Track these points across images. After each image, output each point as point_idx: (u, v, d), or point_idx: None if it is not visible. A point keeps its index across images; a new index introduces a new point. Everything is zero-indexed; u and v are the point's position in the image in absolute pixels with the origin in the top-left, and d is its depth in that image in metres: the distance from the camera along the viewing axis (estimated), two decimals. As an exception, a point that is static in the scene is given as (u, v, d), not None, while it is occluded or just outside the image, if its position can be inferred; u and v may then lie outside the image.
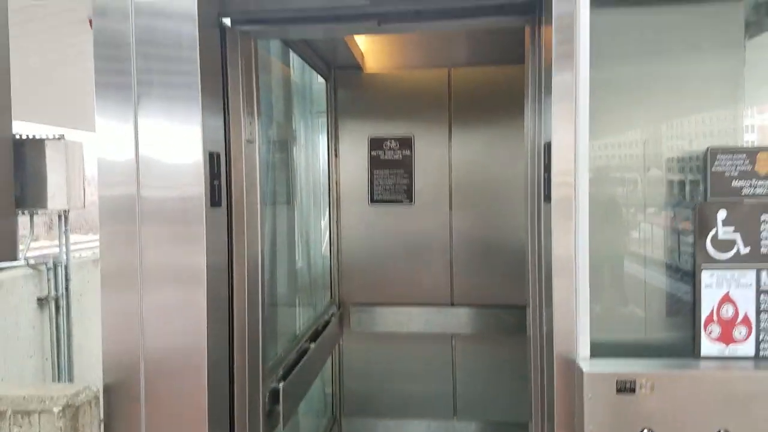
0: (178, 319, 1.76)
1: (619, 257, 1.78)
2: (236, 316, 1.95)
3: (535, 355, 1.85)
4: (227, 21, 1.86)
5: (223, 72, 1.88)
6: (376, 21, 1.87)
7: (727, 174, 1.60)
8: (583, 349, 1.61)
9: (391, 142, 3.64)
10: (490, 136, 3.58)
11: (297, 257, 3.20)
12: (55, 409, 1.68)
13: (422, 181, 3.63)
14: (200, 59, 1.70)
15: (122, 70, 1.73)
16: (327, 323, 3.33)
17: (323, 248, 3.72)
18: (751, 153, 1.59)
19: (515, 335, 3.49)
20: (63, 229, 5.55)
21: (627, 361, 1.59)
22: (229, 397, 1.92)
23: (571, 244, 1.60)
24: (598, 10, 1.59)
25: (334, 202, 3.69)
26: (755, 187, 1.59)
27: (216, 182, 1.80)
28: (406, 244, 3.65)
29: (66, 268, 5.35)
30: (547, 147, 1.64)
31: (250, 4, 1.83)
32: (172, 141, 1.73)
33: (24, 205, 5.42)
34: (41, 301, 5.14)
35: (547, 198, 1.65)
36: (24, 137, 5.46)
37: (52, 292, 5.22)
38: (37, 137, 5.45)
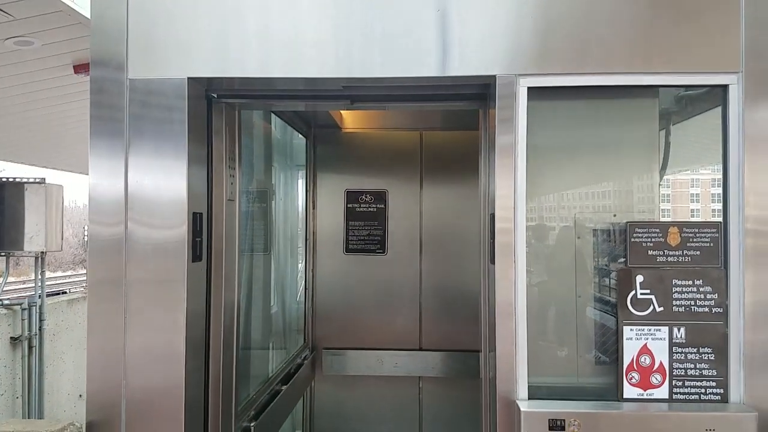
0: (159, 362, 1.92)
1: (554, 311, 2.04)
2: (212, 359, 2.12)
3: (485, 395, 2.08)
4: (214, 96, 2.10)
5: (208, 137, 2.10)
6: (349, 101, 2.15)
7: (643, 244, 1.89)
8: (522, 391, 1.85)
9: (366, 196, 3.90)
10: (457, 192, 3.87)
11: (272, 303, 3.38)
12: None
13: (395, 232, 3.88)
14: (188, 130, 1.93)
15: (114, 128, 1.93)
16: (300, 366, 3.50)
17: (299, 294, 3.91)
18: (664, 226, 1.89)
19: (477, 378, 3.70)
20: (39, 270, 5.61)
21: (559, 402, 1.84)
22: None
23: (511, 295, 1.86)
24: (532, 98, 1.90)
25: (311, 251, 3.90)
26: (667, 256, 1.89)
27: (198, 239, 2.01)
28: (378, 291, 3.86)
29: (40, 308, 5.41)
30: (492, 217, 1.92)
31: (235, 84, 2.05)
32: (159, 200, 1.93)
33: (1, 247, 5.49)
34: (14, 341, 5.18)
35: (492, 260, 1.91)
36: (4, 180, 5.57)
37: (26, 332, 5.27)
38: (18, 180, 5.56)
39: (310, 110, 3.14)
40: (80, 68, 7.17)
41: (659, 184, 2.03)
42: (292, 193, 3.87)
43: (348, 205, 3.90)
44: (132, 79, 1.92)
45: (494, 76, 1.88)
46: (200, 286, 2.05)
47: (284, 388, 3.08)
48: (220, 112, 2.15)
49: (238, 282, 2.31)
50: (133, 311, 1.92)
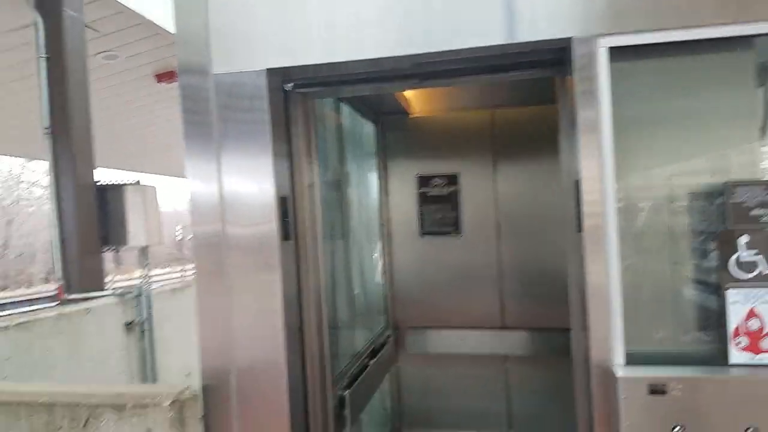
0: (261, 336, 2.08)
1: (651, 278, 1.96)
2: (306, 336, 2.25)
3: (578, 369, 2.05)
4: (289, 86, 2.19)
5: (287, 127, 2.21)
6: (418, 79, 2.16)
7: (745, 204, 1.79)
8: (618, 358, 1.81)
9: (438, 179, 3.90)
10: (533, 170, 3.79)
11: (353, 285, 3.48)
12: (166, 403, 2.05)
13: (469, 214, 3.86)
14: (270, 116, 2.04)
15: (205, 123, 2.06)
16: (383, 344, 3.59)
17: (378, 277, 3.99)
18: (767, 185, 1.78)
19: (565, 356, 3.63)
20: (145, 262, 6.07)
21: (659, 368, 1.78)
22: (303, 401, 2.22)
23: (603, 271, 1.81)
24: (615, 59, 1.82)
25: (387, 235, 3.97)
26: (772, 215, 1.78)
27: (286, 219, 2.12)
28: (456, 272, 3.87)
29: (149, 297, 5.88)
30: (576, 183, 1.87)
31: (308, 72, 2.13)
32: (249, 186, 2.06)
33: (108, 243, 5.99)
34: (128, 326, 5.66)
35: (579, 229, 1.87)
36: (106, 184, 6.05)
37: (138, 318, 5.75)
38: (118, 183, 6.03)
39: (379, 93, 3.16)
40: (162, 77, 7.61)
41: (760, 143, 1.90)
42: (365, 180, 3.94)
43: (420, 190, 3.92)
44: (216, 74, 2.03)
45: (570, 39, 1.82)
46: (292, 264, 2.16)
47: (371, 362, 3.19)
48: (295, 102, 2.22)
49: (323, 263, 2.40)
50: (236, 291, 2.08)
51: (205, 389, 2.11)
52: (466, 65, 2.04)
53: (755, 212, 1.79)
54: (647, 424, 1.73)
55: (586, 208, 1.83)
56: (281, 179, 2.10)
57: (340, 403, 2.51)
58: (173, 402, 2.05)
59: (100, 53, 6.59)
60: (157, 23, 5.93)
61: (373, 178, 3.96)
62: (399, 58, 1.96)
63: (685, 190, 1.93)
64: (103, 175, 6.47)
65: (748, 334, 1.80)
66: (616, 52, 1.80)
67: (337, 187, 3.24)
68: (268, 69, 2.00)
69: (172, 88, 8.27)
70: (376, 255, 3.98)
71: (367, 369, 3.06)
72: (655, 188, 1.96)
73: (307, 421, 2.22)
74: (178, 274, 23.79)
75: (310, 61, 2.00)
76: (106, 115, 9.37)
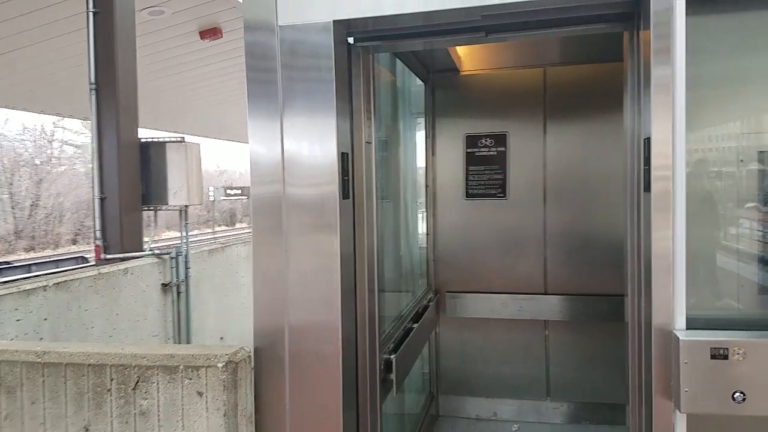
0: (317, 296, 2.07)
1: (714, 243, 1.92)
2: (358, 297, 2.25)
3: (633, 334, 2.03)
4: (351, 39, 2.15)
5: (349, 83, 2.18)
6: (484, 32, 2.11)
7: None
8: (680, 322, 1.78)
9: (486, 140, 3.85)
10: (584, 132, 3.71)
11: (401, 247, 3.49)
12: (219, 365, 2.02)
13: (516, 176, 3.82)
14: (335, 71, 2.01)
15: (269, 80, 2.05)
16: (426, 308, 3.61)
17: (422, 240, 3.99)
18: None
19: (608, 322, 3.62)
20: (183, 223, 6.18)
21: (720, 332, 1.75)
22: (354, 364, 2.22)
23: (669, 233, 1.77)
24: (692, 12, 1.74)
25: (431, 197, 3.95)
26: None
27: (346, 178, 2.11)
28: (500, 236, 3.85)
29: (186, 257, 5.98)
30: (647, 141, 1.82)
31: (374, 24, 2.09)
32: (311, 142, 2.05)
33: (149, 202, 6.09)
34: (165, 287, 5.80)
35: (647, 188, 1.82)
36: (148, 140, 6.12)
37: (174, 279, 5.87)
38: (160, 140, 6.09)
39: (438, 47, 3.11)
40: (206, 34, 7.62)
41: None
42: (414, 138, 3.90)
43: (467, 150, 3.88)
44: (282, 26, 2.01)
45: None
46: (349, 224, 2.16)
47: (415, 326, 3.21)
48: (357, 57, 2.20)
49: (377, 225, 2.40)
50: (293, 255, 2.07)
51: (258, 351, 2.12)
52: (536, 18, 1.98)
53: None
54: (708, 390, 1.71)
55: (655, 171, 1.78)
56: (343, 137, 2.09)
57: (387, 366, 2.52)
58: (227, 363, 2.02)
59: (145, 8, 6.62)
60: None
61: (420, 138, 3.93)
62: (474, 8, 1.91)
63: (755, 153, 1.86)
64: (145, 134, 6.57)
65: (817, 301, 1.75)
66: (693, 2, 1.73)
67: (388, 145, 3.23)
68: (334, 21, 1.98)
69: (215, 45, 8.28)
70: (421, 216, 3.98)
71: (412, 333, 3.07)
72: (724, 152, 1.89)
73: (357, 384, 2.23)
74: (209, 236, 24.26)
75: (377, 12, 1.96)
76: (149, 73, 9.46)
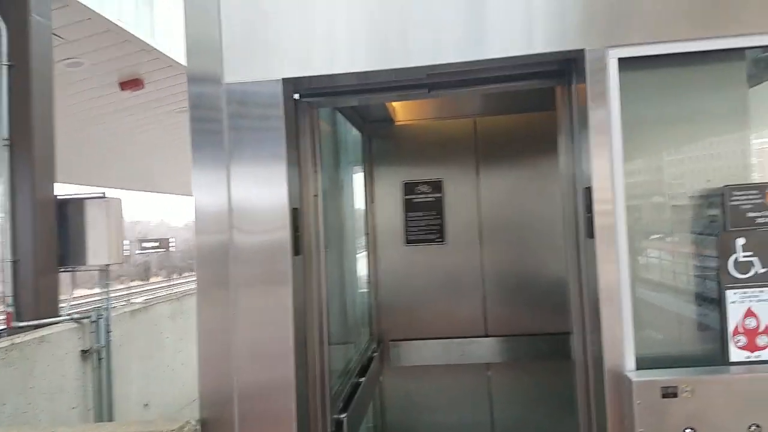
0: (268, 353, 1.99)
1: (651, 281, 2.04)
2: (309, 353, 2.18)
3: (581, 375, 2.09)
4: (297, 96, 2.17)
5: (297, 137, 2.18)
6: (428, 89, 2.19)
7: (742, 207, 1.88)
8: (630, 363, 1.86)
9: (423, 186, 3.94)
10: (515, 177, 3.88)
11: (345, 298, 3.45)
12: None
13: (453, 221, 3.90)
14: (285, 126, 2.01)
15: (215, 130, 2.01)
16: (371, 359, 3.55)
17: (364, 289, 3.96)
18: (762, 188, 1.88)
19: (549, 361, 3.71)
20: (104, 283, 5.82)
21: (668, 370, 1.84)
22: (308, 427, 2.13)
23: (615, 277, 1.87)
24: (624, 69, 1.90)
25: (372, 245, 3.96)
26: (766, 217, 1.87)
27: (298, 234, 2.09)
28: (440, 280, 3.89)
29: (107, 321, 5.61)
30: (588, 191, 1.93)
31: (320, 82, 2.12)
32: (261, 198, 2.01)
33: (66, 262, 5.71)
34: (84, 354, 5.38)
35: (591, 235, 1.92)
36: (66, 198, 5.78)
37: (95, 345, 5.47)
38: (78, 197, 5.77)
39: (382, 102, 3.19)
40: (127, 85, 7.41)
41: (749, 149, 2.01)
42: (354, 187, 3.93)
43: (406, 197, 3.94)
44: (229, 83, 2.00)
45: (583, 50, 1.89)
46: (302, 281, 2.12)
47: (362, 380, 3.14)
48: (303, 112, 2.21)
49: (325, 278, 2.37)
50: (241, 311, 2.00)
51: (204, 423, 1.99)
52: (477, 76, 2.08)
53: (751, 214, 1.88)
54: (660, 428, 1.78)
55: (598, 210, 1.88)
56: (293, 191, 2.07)
57: (337, 427, 2.44)
58: None
59: (62, 60, 6.38)
60: (128, 30, 5.78)
61: (359, 186, 3.96)
62: (421, 68, 1.99)
63: (685, 192, 2.01)
64: (61, 189, 6.21)
65: (746, 332, 1.88)
66: (623, 62, 1.89)
67: (332, 196, 3.23)
68: (284, 79, 1.99)
69: (137, 96, 8.06)
70: (363, 265, 3.97)
71: (360, 388, 3.01)
72: (657, 191, 2.03)
73: None
74: (124, 293, 22.90)
75: (329, 71, 2.00)
76: (68, 124, 9.03)
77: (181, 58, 7.06)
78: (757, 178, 1.99)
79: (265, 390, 1.99)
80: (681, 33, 1.86)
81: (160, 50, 6.66)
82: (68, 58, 6.36)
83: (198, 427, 2.00)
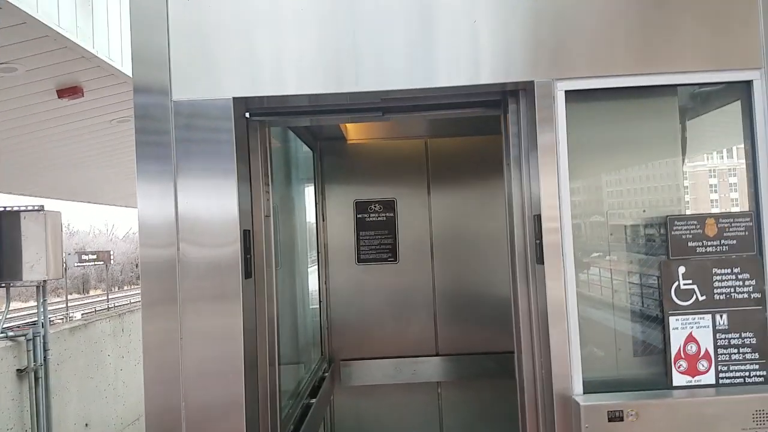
0: (217, 372, 1.93)
1: (598, 307, 2.09)
2: (260, 374, 2.14)
3: (530, 395, 2.11)
4: (247, 114, 2.13)
5: (248, 156, 2.13)
6: (381, 112, 2.20)
7: (683, 236, 1.97)
8: (578, 387, 1.91)
9: (375, 205, 3.93)
10: (465, 196, 3.94)
11: (297, 317, 3.39)
12: None
13: (405, 240, 3.92)
14: (235, 145, 1.97)
15: (161, 142, 1.95)
16: (322, 379, 3.51)
17: (315, 308, 3.92)
18: (701, 219, 1.97)
19: (497, 379, 3.76)
20: (41, 300, 5.53)
21: (614, 394, 1.90)
22: None
23: (563, 303, 1.92)
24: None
25: (323, 263, 3.92)
26: (706, 247, 1.97)
27: (248, 256, 2.04)
28: (392, 299, 3.89)
29: (44, 339, 5.33)
30: (537, 218, 1.97)
31: (272, 102, 2.10)
32: (211, 211, 1.95)
33: (0, 277, 5.39)
34: (20, 373, 5.09)
35: (540, 261, 1.96)
36: (0, 209, 5.47)
37: (32, 364, 5.19)
38: (14, 209, 5.47)
39: (337, 123, 3.17)
40: (64, 93, 7.09)
41: (683, 178, 2.11)
42: (304, 206, 3.89)
43: (358, 216, 3.93)
44: (176, 101, 1.94)
45: (532, 82, 1.95)
46: (252, 302, 2.07)
47: (313, 401, 3.09)
48: (254, 131, 2.17)
49: (276, 298, 2.33)
50: (189, 330, 1.93)
51: None
52: (428, 102, 2.11)
53: (692, 244, 1.97)
54: (606, 450, 1.82)
55: (546, 224, 1.94)
56: (244, 208, 2.03)
57: None
58: None
59: (-5, 65, 6.05)
60: (67, 36, 5.54)
61: (311, 205, 3.92)
62: (374, 93, 2.00)
63: (629, 221, 2.09)
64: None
65: (687, 357, 1.96)
66: (570, 94, 1.95)
67: (282, 214, 3.18)
68: (234, 98, 1.95)
69: (76, 104, 7.73)
70: (314, 283, 3.92)
71: (311, 410, 2.96)
72: (601, 219, 2.10)
73: None
74: (61, 306, 21.89)
75: (284, 92, 1.97)
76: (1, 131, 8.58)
77: (123, 67, 6.82)
78: (689, 202, 2.09)
79: (215, 411, 1.93)
80: (620, 68, 1.95)
81: (101, 58, 6.41)
82: (1, 63, 6.04)
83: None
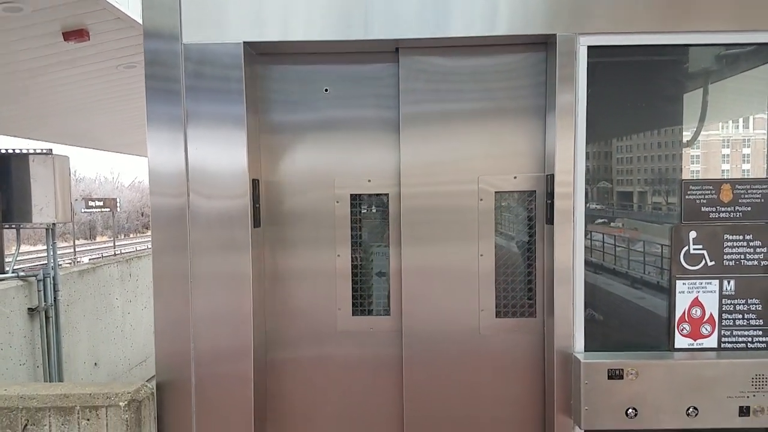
0: (227, 322, 1.97)
1: (605, 269, 2.09)
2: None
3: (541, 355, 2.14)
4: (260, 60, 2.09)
5: (257, 102, 2.09)
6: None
7: (697, 201, 1.94)
8: (579, 345, 1.93)
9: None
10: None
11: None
12: (121, 404, 1.89)
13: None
14: (246, 96, 1.94)
15: (171, 89, 1.92)
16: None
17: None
18: (717, 184, 1.95)
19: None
20: (51, 242, 5.59)
21: (615, 353, 1.93)
22: (265, 391, 2.13)
23: (570, 256, 1.92)
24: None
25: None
26: (719, 213, 1.95)
27: (257, 205, 2.03)
28: None
29: (54, 279, 5.42)
30: (550, 178, 1.95)
31: (282, 48, 2.02)
32: (220, 169, 1.94)
33: (11, 219, 5.45)
34: (32, 312, 5.21)
35: (550, 221, 1.95)
36: (8, 152, 5.48)
37: (42, 303, 5.30)
38: (22, 152, 5.48)
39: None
40: (70, 35, 6.96)
41: (696, 143, 2.06)
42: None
43: None
44: (186, 44, 1.90)
45: (554, 35, 1.89)
46: (260, 251, 2.08)
47: None
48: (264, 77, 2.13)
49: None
50: (198, 277, 1.95)
51: (160, 387, 1.98)
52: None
53: (705, 209, 1.95)
54: (605, 407, 1.86)
55: (559, 188, 1.91)
56: (253, 160, 2.01)
57: None
58: (129, 402, 1.88)
59: (0, 4, 5.92)
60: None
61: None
62: (389, 41, 1.95)
63: (643, 180, 2.06)
64: (3, 143, 5.84)
65: (691, 321, 1.97)
66: (592, 50, 1.90)
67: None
68: (245, 42, 1.90)
69: (82, 48, 7.60)
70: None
71: None
72: (612, 178, 2.07)
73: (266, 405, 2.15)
74: (69, 251, 22.15)
75: (299, 37, 1.92)
76: (5, 74, 8.48)
77: (130, 11, 6.67)
78: (702, 168, 2.05)
79: (223, 356, 1.98)
80: (645, 25, 1.88)
81: (108, 0, 6.26)
82: (5, 2, 5.90)
83: (153, 390, 1.99)
